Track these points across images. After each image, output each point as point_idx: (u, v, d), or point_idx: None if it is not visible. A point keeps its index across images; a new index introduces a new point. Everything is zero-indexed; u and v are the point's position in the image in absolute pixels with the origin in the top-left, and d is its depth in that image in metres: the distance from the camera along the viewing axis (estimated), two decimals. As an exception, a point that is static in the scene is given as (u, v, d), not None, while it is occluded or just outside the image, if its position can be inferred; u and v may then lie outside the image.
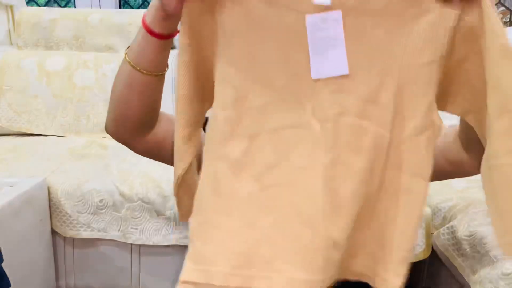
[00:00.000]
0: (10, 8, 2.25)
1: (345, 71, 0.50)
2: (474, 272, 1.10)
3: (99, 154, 1.66)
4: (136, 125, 0.73)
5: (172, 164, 0.65)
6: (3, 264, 0.92)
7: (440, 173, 0.71)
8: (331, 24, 0.49)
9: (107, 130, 0.77)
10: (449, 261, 1.21)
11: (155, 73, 0.66)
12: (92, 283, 1.48)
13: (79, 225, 1.40)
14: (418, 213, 0.54)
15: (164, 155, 0.81)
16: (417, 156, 0.53)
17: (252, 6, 0.50)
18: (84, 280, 1.48)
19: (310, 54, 0.50)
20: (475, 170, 0.67)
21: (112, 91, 0.70)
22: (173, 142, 0.59)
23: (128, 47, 0.66)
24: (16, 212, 1.24)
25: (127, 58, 0.65)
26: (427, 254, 1.29)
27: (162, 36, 0.61)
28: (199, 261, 0.52)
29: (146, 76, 0.65)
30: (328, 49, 0.50)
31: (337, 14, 0.49)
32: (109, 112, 0.73)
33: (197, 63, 0.54)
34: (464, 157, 0.68)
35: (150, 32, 0.60)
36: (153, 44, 0.62)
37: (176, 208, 0.65)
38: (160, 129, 0.77)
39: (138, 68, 0.64)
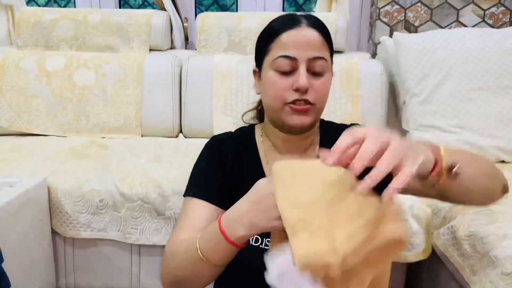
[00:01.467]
0: (10, 8, 2.25)
1: None
2: (474, 272, 1.10)
3: (99, 154, 1.66)
4: None
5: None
6: (3, 264, 0.92)
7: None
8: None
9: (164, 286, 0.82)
10: (449, 261, 1.21)
11: (225, 264, 0.72)
12: (92, 283, 1.48)
13: (79, 225, 1.40)
14: None
15: None
16: None
17: None
18: (84, 280, 1.48)
19: None
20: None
21: (175, 269, 0.75)
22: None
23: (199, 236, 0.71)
24: (16, 212, 1.24)
25: (199, 251, 0.70)
26: (427, 254, 1.29)
27: (244, 245, 0.68)
28: None
29: (217, 267, 0.71)
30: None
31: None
32: (170, 282, 0.78)
33: None
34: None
35: (233, 244, 0.67)
36: (232, 251, 0.68)
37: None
38: None
39: (211, 262, 0.70)
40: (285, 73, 0.82)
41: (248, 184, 0.88)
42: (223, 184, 0.89)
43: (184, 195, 0.90)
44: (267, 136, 0.94)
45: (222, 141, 0.94)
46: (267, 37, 0.86)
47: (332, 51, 0.87)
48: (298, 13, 0.88)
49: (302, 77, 0.80)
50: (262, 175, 0.90)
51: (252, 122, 1.02)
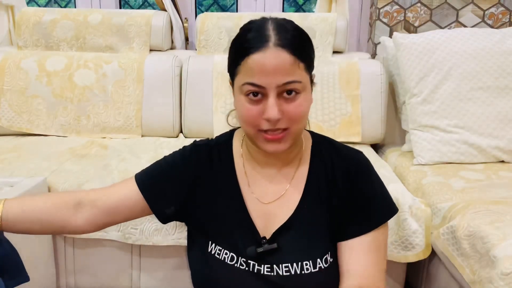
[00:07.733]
0: (10, 8, 2.25)
1: None
2: (473, 272, 1.10)
3: (99, 154, 1.66)
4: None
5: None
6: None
7: None
8: None
9: None
10: (449, 261, 1.21)
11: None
12: (92, 283, 1.48)
13: (80, 225, 1.40)
14: None
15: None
16: None
17: None
18: (84, 280, 1.48)
19: None
20: None
21: None
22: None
23: None
24: (17, 212, 1.24)
25: None
26: (427, 254, 1.30)
27: None
28: None
29: None
30: None
31: None
32: None
33: None
34: None
35: None
36: None
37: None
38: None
39: None
40: (255, 100, 0.77)
41: (224, 197, 0.88)
42: (170, 193, 0.90)
43: (135, 176, 0.93)
44: (247, 146, 0.89)
45: (198, 152, 0.91)
46: (236, 55, 0.79)
47: (310, 62, 0.81)
48: (270, 17, 0.81)
49: (271, 109, 0.75)
50: (237, 188, 0.88)
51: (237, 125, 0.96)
